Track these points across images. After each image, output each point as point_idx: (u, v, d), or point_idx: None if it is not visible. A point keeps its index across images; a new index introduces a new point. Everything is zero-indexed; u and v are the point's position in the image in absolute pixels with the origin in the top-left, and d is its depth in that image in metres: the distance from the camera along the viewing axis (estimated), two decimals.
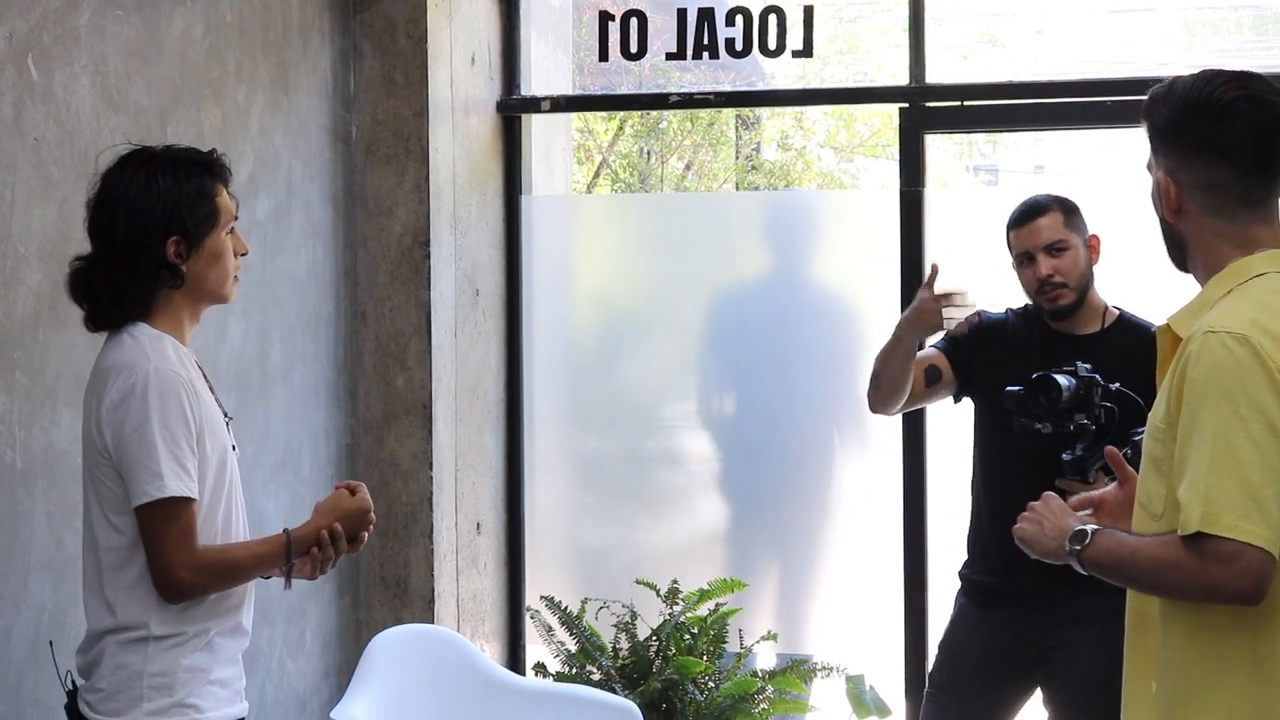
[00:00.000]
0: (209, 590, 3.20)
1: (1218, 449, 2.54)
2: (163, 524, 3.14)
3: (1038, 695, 4.46)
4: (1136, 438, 3.99)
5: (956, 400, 4.54)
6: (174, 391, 3.15)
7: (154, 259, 3.22)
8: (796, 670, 5.49)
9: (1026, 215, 4.38)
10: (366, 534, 3.41)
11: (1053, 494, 2.93)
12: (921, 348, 4.53)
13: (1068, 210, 4.37)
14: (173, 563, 3.14)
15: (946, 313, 4.38)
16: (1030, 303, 4.46)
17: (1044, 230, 4.33)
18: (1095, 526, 2.75)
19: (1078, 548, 2.73)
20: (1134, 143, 2.88)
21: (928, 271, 4.45)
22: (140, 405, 3.13)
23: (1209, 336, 2.60)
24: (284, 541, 3.29)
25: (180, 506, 3.14)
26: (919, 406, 4.64)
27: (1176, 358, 2.66)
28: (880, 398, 4.49)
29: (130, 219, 3.22)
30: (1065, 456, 4.12)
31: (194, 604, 3.21)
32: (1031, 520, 2.88)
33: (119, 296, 3.23)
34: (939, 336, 4.56)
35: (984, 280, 5.45)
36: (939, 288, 4.38)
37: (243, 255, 3.38)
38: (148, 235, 3.22)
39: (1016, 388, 4.17)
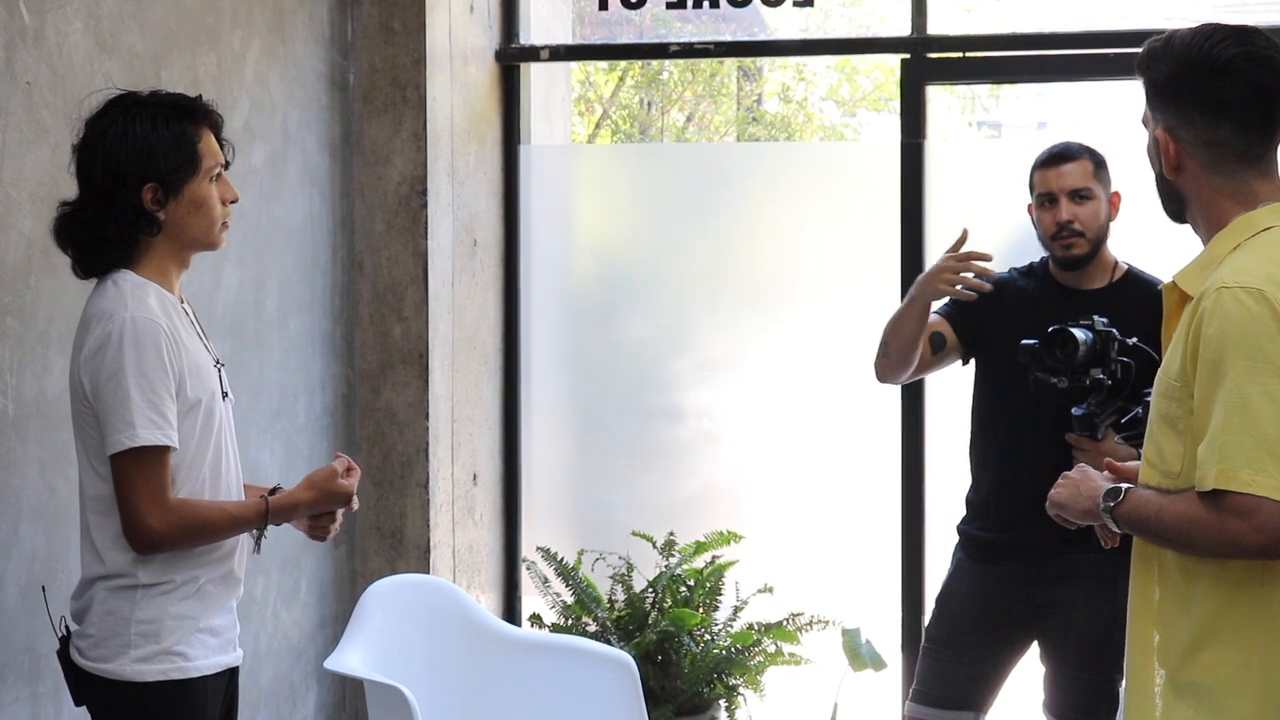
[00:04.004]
0: (179, 544, 3.17)
1: (1232, 405, 2.54)
2: (134, 473, 3.12)
3: (1034, 650, 4.45)
4: (1149, 396, 3.98)
5: (965, 362, 4.51)
6: (151, 339, 3.12)
7: (130, 206, 3.19)
8: (793, 623, 5.49)
9: (1056, 158, 4.33)
10: (337, 518, 3.38)
11: (1085, 465, 2.95)
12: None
13: (1097, 162, 4.33)
14: (143, 512, 3.12)
15: (964, 276, 4.33)
16: (1035, 261, 4.42)
17: (1071, 175, 4.29)
18: (1128, 485, 2.75)
19: (1112, 504, 2.76)
20: (1137, 98, 2.85)
21: (959, 233, 4.37)
22: (116, 354, 3.11)
23: (1223, 292, 2.58)
24: (262, 508, 3.27)
25: (153, 455, 3.12)
26: (925, 375, 4.60)
27: (1189, 314, 2.64)
28: (890, 366, 4.45)
29: (107, 165, 3.20)
30: (1076, 411, 4.10)
31: (179, 553, 3.19)
32: (1065, 486, 2.90)
33: (99, 243, 3.21)
34: (943, 302, 4.52)
35: (987, 232, 5.44)
36: (964, 249, 4.33)
37: (232, 202, 3.34)
38: (124, 181, 3.18)
39: (1033, 341, 4.14)
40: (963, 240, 4.35)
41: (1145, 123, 2.82)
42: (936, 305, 4.49)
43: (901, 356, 4.42)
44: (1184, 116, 2.72)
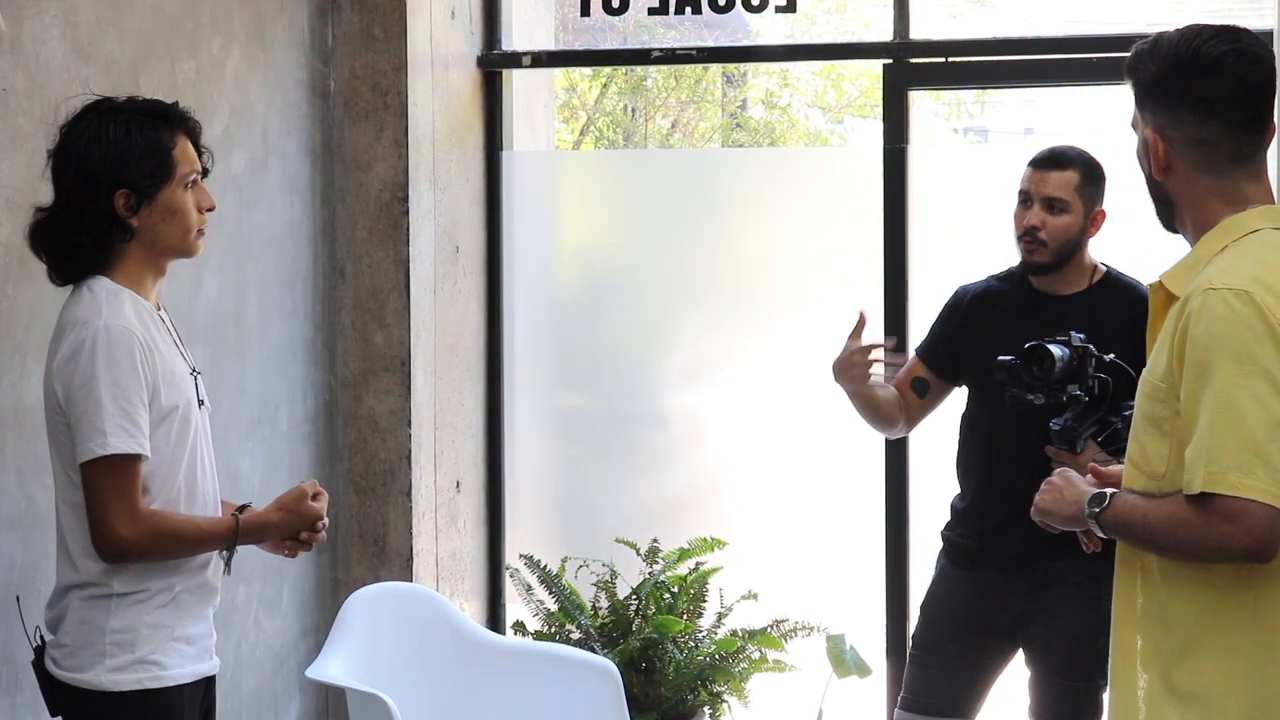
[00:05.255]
0: (147, 555, 3.15)
1: (1221, 407, 2.52)
2: (105, 481, 3.10)
3: (1020, 657, 4.44)
4: (1128, 410, 3.96)
5: (964, 385, 4.50)
6: (125, 347, 3.10)
7: (103, 212, 3.17)
8: (777, 629, 5.48)
9: (1045, 161, 4.30)
10: (312, 538, 3.36)
11: (1068, 468, 2.93)
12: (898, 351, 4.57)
13: (1089, 176, 4.28)
14: (112, 521, 3.10)
15: (875, 368, 4.36)
16: (1015, 266, 4.41)
17: (1051, 183, 4.26)
18: (1113, 490, 2.73)
19: (1097, 510, 2.74)
20: (1123, 104, 2.84)
21: (856, 317, 4.39)
22: (89, 361, 3.09)
23: (1210, 294, 2.57)
24: (232, 525, 3.25)
25: (124, 464, 3.10)
26: (929, 414, 4.59)
27: (1176, 316, 2.62)
28: (880, 430, 4.59)
29: (79, 170, 3.18)
30: (1054, 425, 4.08)
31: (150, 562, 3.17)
32: (1050, 492, 2.89)
33: (72, 249, 3.20)
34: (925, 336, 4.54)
35: (970, 237, 5.44)
36: (865, 339, 4.35)
37: (209, 210, 3.31)
38: (96, 187, 3.17)
39: (1009, 357, 4.12)
40: (860, 324, 4.36)
41: (1134, 126, 2.80)
42: (914, 345, 4.52)
43: (879, 423, 4.52)
44: (1173, 115, 2.71)
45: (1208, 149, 2.70)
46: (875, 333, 4.45)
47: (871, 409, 4.45)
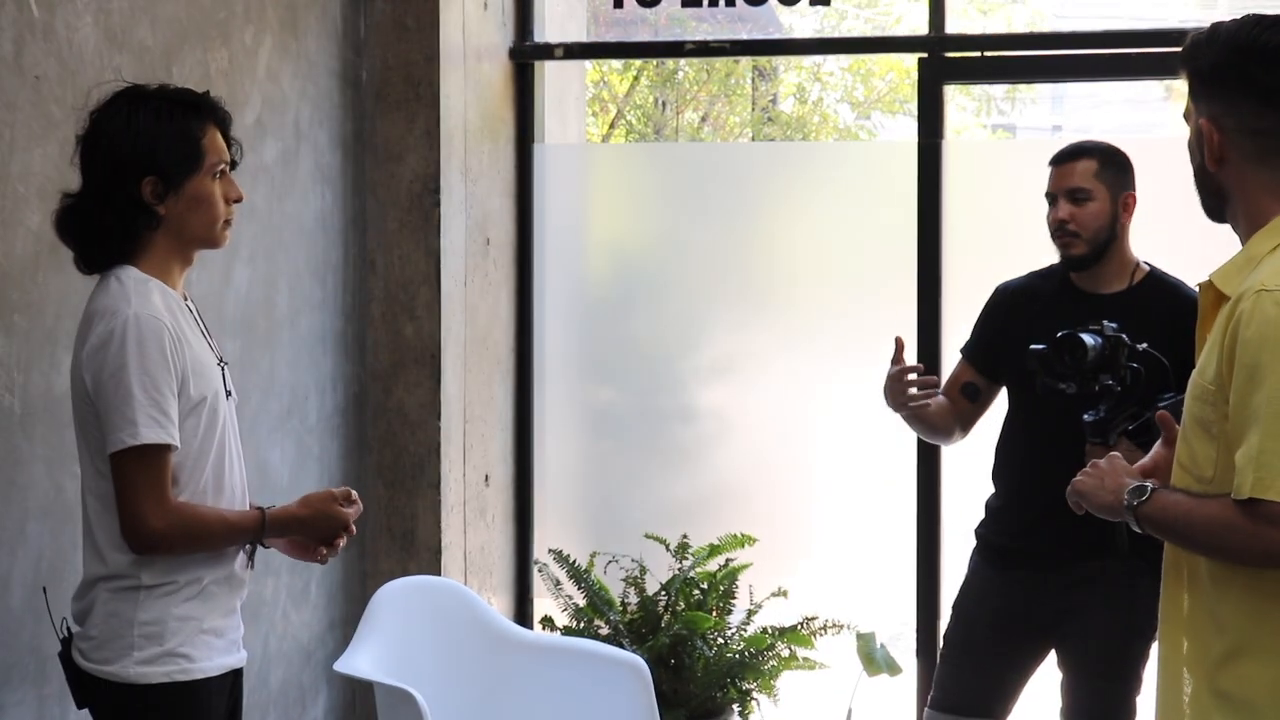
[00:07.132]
0: (176, 547, 3.13)
1: (1272, 412, 2.47)
2: (135, 471, 3.08)
3: (1052, 657, 4.41)
4: (1163, 401, 3.91)
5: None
6: (154, 337, 3.08)
7: (129, 199, 3.15)
8: (807, 627, 5.45)
9: (1063, 156, 4.31)
10: (337, 542, 3.34)
11: (1116, 454, 2.86)
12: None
13: (1109, 162, 4.27)
14: (144, 511, 3.08)
15: (912, 390, 4.34)
16: (1057, 263, 4.38)
17: (1071, 175, 4.26)
18: (1155, 485, 2.69)
19: (1135, 503, 2.68)
20: (1155, 104, 2.80)
21: (894, 342, 4.40)
22: (119, 351, 3.07)
23: (1262, 295, 2.52)
24: (258, 519, 3.23)
25: (155, 454, 3.08)
26: (981, 417, 4.57)
27: (1226, 317, 2.58)
28: (939, 441, 4.65)
29: (108, 157, 3.16)
30: (1087, 417, 4.04)
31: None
32: (1091, 475, 2.82)
33: (98, 236, 3.17)
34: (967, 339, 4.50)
35: (1003, 233, 5.41)
36: (904, 363, 4.37)
37: (237, 201, 3.29)
38: (123, 174, 3.15)
39: (1041, 346, 4.09)
40: (899, 349, 4.37)
41: (1186, 117, 2.76)
42: (945, 341, 4.49)
43: (934, 435, 4.57)
44: (1229, 104, 2.67)
45: (1263, 139, 2.65)
46: (913, 354, 4.42)
47: (926, 425, 4.49)
